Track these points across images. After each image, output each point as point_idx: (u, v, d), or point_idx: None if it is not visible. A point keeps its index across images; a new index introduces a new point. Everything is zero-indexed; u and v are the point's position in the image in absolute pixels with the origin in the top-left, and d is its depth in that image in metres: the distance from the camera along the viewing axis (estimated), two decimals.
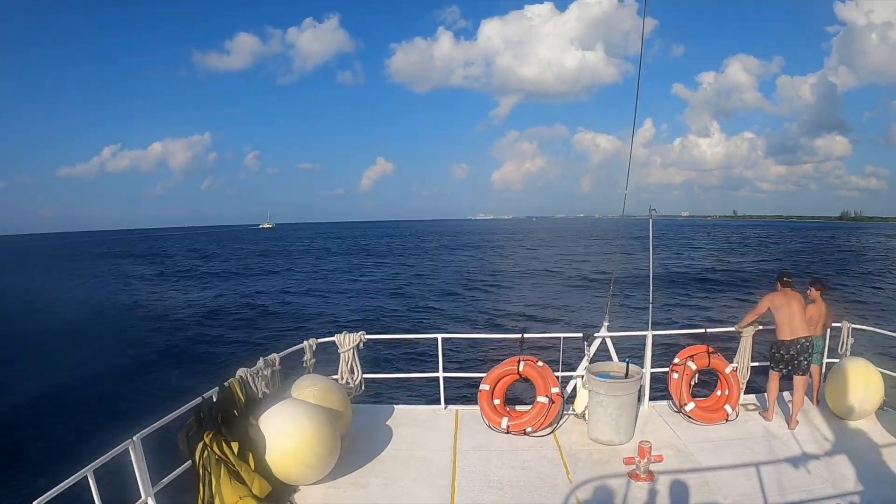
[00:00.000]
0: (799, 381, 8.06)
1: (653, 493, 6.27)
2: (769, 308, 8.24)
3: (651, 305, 9.02)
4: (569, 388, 8.53)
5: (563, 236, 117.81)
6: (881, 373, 8.25)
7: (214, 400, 5.93)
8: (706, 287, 34.11)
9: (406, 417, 8.18)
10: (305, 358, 7.84)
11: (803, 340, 8.00)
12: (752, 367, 8.70)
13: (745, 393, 8.80)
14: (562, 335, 8.65)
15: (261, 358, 6.87)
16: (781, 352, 8.09)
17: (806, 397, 8.58)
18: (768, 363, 8.34)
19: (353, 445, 7.04)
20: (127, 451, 4.79)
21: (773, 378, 8.28)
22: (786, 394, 8.66)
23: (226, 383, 6.19)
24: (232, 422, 5.83)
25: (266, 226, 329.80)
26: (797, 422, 8.01)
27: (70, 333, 22.59)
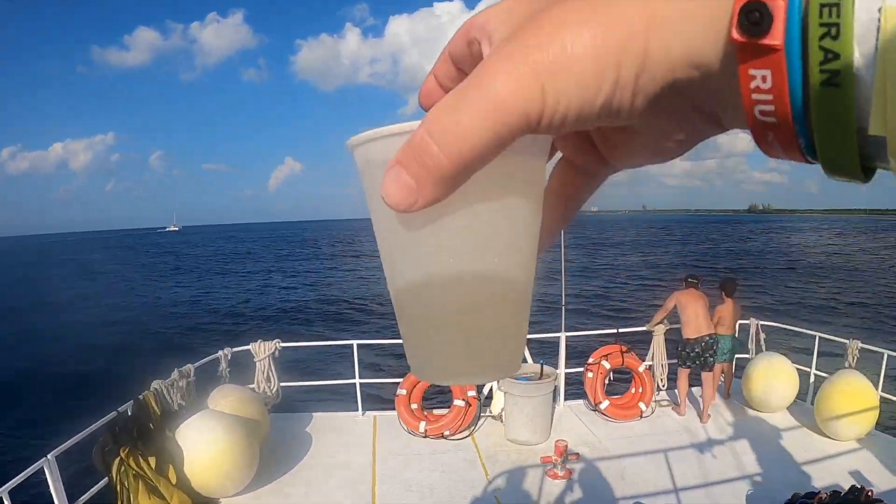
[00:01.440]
0: (707, 376, 8.50)
1: (571, 490, 6.54)
2: (675, 306, 8.64)
3: (564, 307, 9.27)
4: (485, 391, 8.70)
5: None
6: (795, 367, 8.73)
7: (129, 414, 5.87)
8: (619, 285, 34.95)
9: (324, 424, 8.22)
10: (221, 368, 7.73)
11: (707, 338, 8.44)
12: (664, 364, 9.09)
13: (659, 390, 9.18)
14: None
15: (175, 369, 6.79)
16: (687, 349, 8.52)
17: (718, 393, 9.04)
18: (677, 361, 8.73)
19: (273, 455, 7.05)
20: (42, 469, 4.72)
21: (682, 375, 8.69)
22: (697, 389, 9.06)
23: (140, 396, 6.14)
24: (148, 435, 5.80)
25: (172, 228, 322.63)
26: (709, 416, 8.47)
27: None
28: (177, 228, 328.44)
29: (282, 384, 8.19)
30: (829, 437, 7.78)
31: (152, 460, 5.54)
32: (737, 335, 9.28)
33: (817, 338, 8.84)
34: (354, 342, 8.53)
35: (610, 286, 34.88)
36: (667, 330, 9.10)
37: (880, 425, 7.93)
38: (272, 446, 7.25)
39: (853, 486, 4.86)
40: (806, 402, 8.74)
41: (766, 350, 9.31)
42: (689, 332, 8.51)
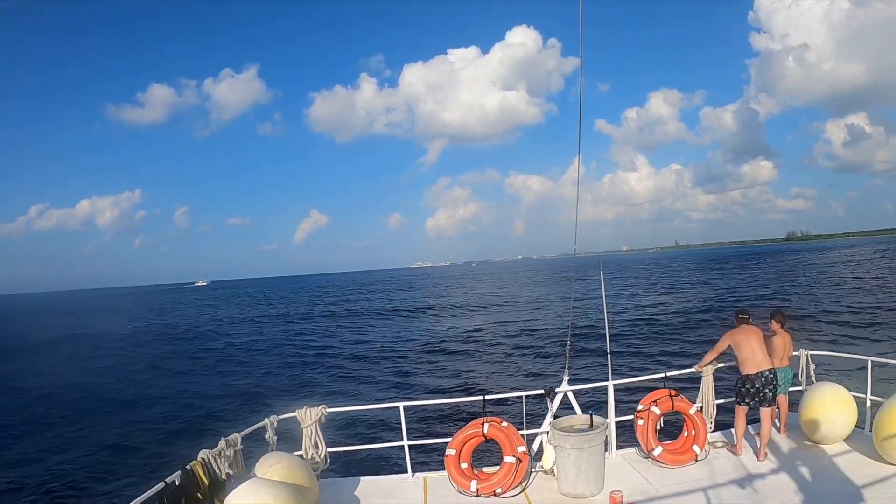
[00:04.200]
0: (766, 412, 8.42)
1: None
2: (730, 345, 8.60)
3: (609, 355, 9.25)
4: (535, 446, 8.69)
5: (508, 281, 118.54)
6: (851, 395, 8.59)
7: (177, 484, 5.96)
8: (660, 328, 34.54)
9: (374, 489, 8.21)
10: (268, 435, 7.84)
11: (767, 373, 8.40)
12: (716, 404, 8.99)
13: (712, 431, 9.06)
14: (523, 393, 8.87)
15: (222, 438, 6.91)
16: (747, 386, 8.45)
17: (773, 429, 8.90)
18: (735, 399, 8.65)
19: None
20: None
21: (740, 413, 8.62)
22: (750, 427, 8.96)
23: (188, 466, 6.24)
24: None
25: (201, 283, 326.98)
26: (766, 453, 8.35)
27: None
28: (205, 283, 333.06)
29: (330, 449, 8.24)
30: (891, 464, 7.60)
31: None
32: (790, 367, 9.22)
33: (869, 362, 8.71)
34: (401, 404, 8.55)
35: (653, 329, 34.49)
36: (715, 369, 9.03)
37: None
38: None
39: None
40: (864, 429, 8.56)
41: (818, 380, 9.18)
42: (749, 368, 8.46)
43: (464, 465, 8.06)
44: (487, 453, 8.81)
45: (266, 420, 7.92)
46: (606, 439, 8.38)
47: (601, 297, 9.55)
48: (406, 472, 8.59)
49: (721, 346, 8.79)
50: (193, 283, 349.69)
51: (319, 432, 8.19)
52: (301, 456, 7.92)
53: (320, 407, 8.23)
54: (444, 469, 8.16)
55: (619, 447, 8.99)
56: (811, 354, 9.56)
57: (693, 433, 8.71)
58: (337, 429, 8.82)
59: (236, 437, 7.12)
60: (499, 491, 7.74)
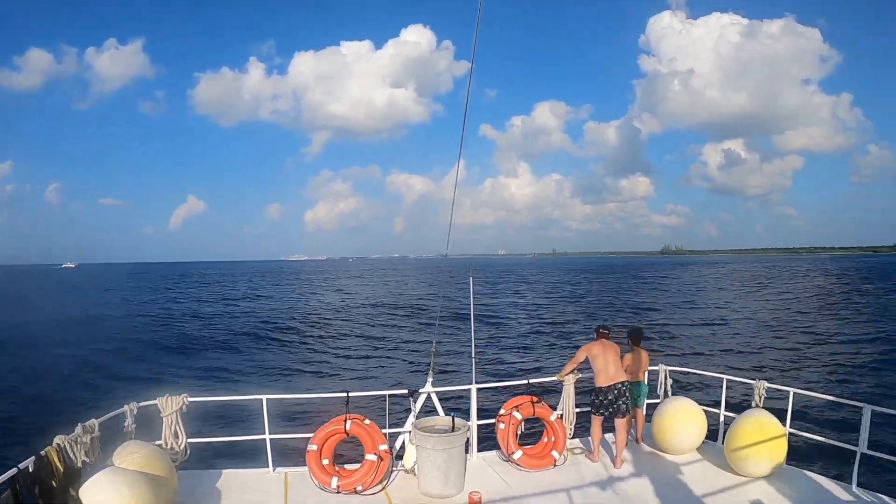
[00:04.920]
0: (620, 423, 8.87)
1: None
2: (587, 357, 8.98)
3: (474, 360, 9.48)
4: (397, 445, 8.80)
5: (383, 279, 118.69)
6: (701, 409, 9.14)
7: (31, 470, 5.75)
8: (528, 336, 35.34)
9: (234, 482, 8.13)
10: (127, 423, 7.58)
11: (620, 385, 8.85)
12: (576, 412, 9.35)
13: (572, 438, 9.43)
14: (387, 392, 9.03)
15: (79, 424, 6.67)
16: (601, 397, 8.85)
17: (631, 438, 9.36)
18: (590, 409, 9.00)
19: None
20: None
21: (596, 422, 9.03)
22: (609, 436, 9.37)
23: (42, 452, 6.01)
24: (51, 494, 5.69)
25: (69, 265, 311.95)
26: (622, 461, 8.78)
27: None
28: (73, 265, 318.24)
29: (190, 440, 8.07)
30: (741, 475, 8.16)
31: None
32: (646, 381, 9.69)
33: (724, 380, 9.26)
34: (264, 397, 8.47)
35: (519, 336, 35.27)
36: (577, 379, 9.38)
37: (790, 461, 8.35)
38: None
39: None
40: (717, 442, 9.11)
41: (675, 394, 9.71)
42: (602, 381, 8.87)
43: (325, 462, 8.08)
44: (349, 451, 8.82)
45: (126, 406, 7.65)
46: (468, 441, 8.58)
47: (470, 304, 9.73)
48: (267, 466, 8.52)
49: (579, 357, 9.19)
50: (61, 265, 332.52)
51: (180, 422, 8.00)
52: (160, 445, 7.73)
53: (182, 396, 8.04)
54: (305, 465, 8.15)
55: (480, 450, 9.24)
56: (668, 370, 10.08)
57: (553, 439, 9.05)
58: (198, 419, 8.62)
59: (94, 422, 6.88)
60: (359, 488, 7.82)
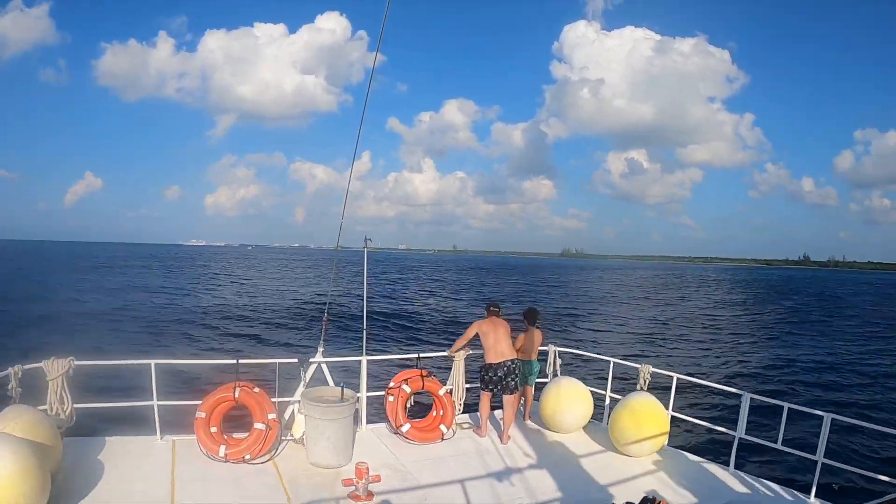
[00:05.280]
0: (508, 399, 9.18)
1: None
2: (477, 333, 9.21)
3: (365, 331, 9.65)
4: (286, 414, 8.91)
5: (281, 266, 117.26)
6: (588, 390, 9.52)
7: None
8: (421, 315, 35.84)
9: (121, 449, 8.05)
10: (10, 386, 7.37)
11: (509, 363, 9.13)
12: (466, 388, 9.60)
13: (461, 413, 9.70)
14: (277, 361, 9.04)
15: None
16: (490, 374, 9.13)
17: (519, 415, 9.67)
18: (479, 385, 9.25)
19: (66, 483, 6.84)
20: None
21: (485, 398, 9.32)
22: (498, 412, 9.67)
23: None
24: None
25: None
26: (509, 437, 9.15)
27: None
28: None
29: (76, 406, 7.89)
30: (624, 455, 8.65)
31: None
32: (538, 360, 9.99)
33: (612, 363, 9.67)
34: (152, 362, 8.42)
35: (412, 313, 35.63)
36: (467, 355, 9.62)
37: (671, 442, 8.81)
38: (65, 473, 7.02)
39: (645, 497, 5.39)
40: (602, 422, 9.52)
41: (563, 374, 10.06)
42: (492, 358, 9.13)
43: (213, 430, 8.11)
44: (238, 419, 8.85)
45: (10, 369, 7.43)
46: (357, 413, 8.76)
47: (363, 277, 9.85)
48: (154, 433, 8.50)
49: (469, 333, 9.44)
50: None
51: (66, 386, 7.81)
52: (45, 411, 7.55)
53: (68, 359, 7.87)
54: (193, 433, 8.15)
55: (369, 422, 9.44)
56: (559, 351, 10.43)
57: (441, 413, 9.33)
58: (85, 384, 8.46)
59: None
60: (247, 457, 7.89)
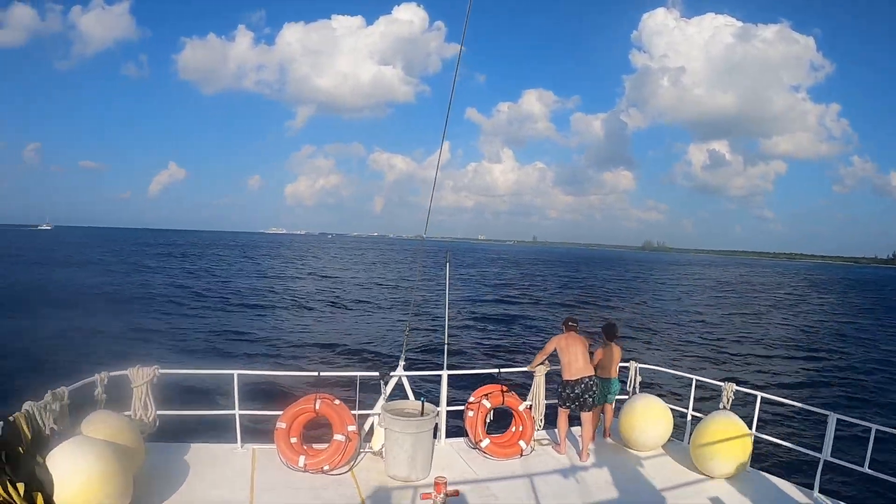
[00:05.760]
0: (586, 416, 8.94)
1: None
2: (556, 349, 9.02)
3: (446, 346, 9.52)
4: (366, 426, 8.84)
5: (362, 257, 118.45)
6: (668, 407, 9.24)
7: None
8: (501, 324, 35.47)
9: (202, 456, 8.12)
10: (96, 392, 7.53)
11: (587, 379, 8.89)
12: (545, 404, 9.42)
13: (539, 429, 9.50)
14: (358, 374, 9.00)
15: (49, 391, 6.62)
16: (567, 391, 8.92)
17: (598, 432, 9.44)
18: (557, 402, 9.07)
19: (147, 486, 6.91)
20: None
21: (562, 415, 9.08)
22: (576, 429, 9.43)
23: (10, 417, 5.97)
24: (17, 460, 5.65)
25: (45, 227, 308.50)
26: (588, 454, 8.86)
27: None
28: (49, 227, 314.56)
29: (159, 412, 8.06)
30: (705, 475, 8.29)
31: (21, 487, 5.39)
32: (618, 378, 9.75)
33: (694, 380, 9.36)
34: (235, 372, 8.49)
35: (493, 324, 35.35)
36: (547, 371, 9.44)
37: (754, 464, 8.47)
38: (147, 477, 7.12)
39: None
40: (683, 441, 9.22)
41: (644, 391, 9.79)
42: (570, 374, 8.92)
43: (293, 440, 8.11)
44: (318, 430, 8.84)
45: (96, 376, 7.60)
46: (436, 427, 8.64)
47: (445, 290, 9.75)
48: (235, 441, 8.55)
49: (548, 349, 9.25)
50: (36, 226, 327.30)
51: (150, 393, 7.99)
52: (129, 416, 7.71)
53: (153, 367, 8.04)
54: (273, 442, 8.17)
55: (448, 435, 9.30)
56: (639, 367, 10.16)
57: (520, 429, 9.14)
58: (169, 391, 8.57)
59: (64, 390, 6.83)
60: (326, 468, 7.85)
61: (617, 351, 9.85)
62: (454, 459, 8.71)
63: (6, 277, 49.48)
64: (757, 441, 8.67)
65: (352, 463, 8.21)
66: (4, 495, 5.26)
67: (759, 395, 8.69)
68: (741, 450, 8.29)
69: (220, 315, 34.45)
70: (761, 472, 8.71)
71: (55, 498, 5.64)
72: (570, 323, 9.34)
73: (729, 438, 8.27)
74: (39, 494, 5.52)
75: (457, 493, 7.06)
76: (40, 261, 70.74)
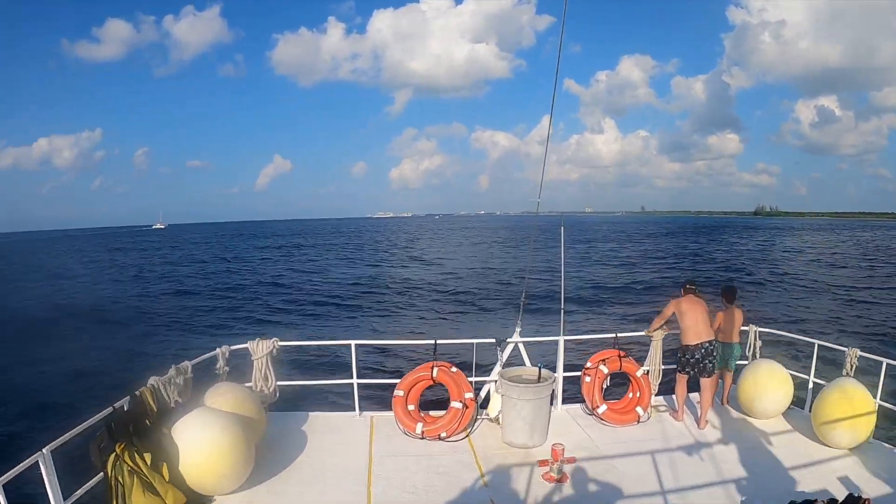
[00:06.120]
0: (706, 383, 8.57)
1: (566, 494, 6.57)
2: (675, 313, 8.71)
3: (563, 311, 9.33)
4: (482, 393, 8.82)
5: (471, 235, 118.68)
6: (789, 374, 8.81)
7: (126, 409, 5.95)
8: (617, 290, 34.92)
9: (321, 424, 8.30)
10: (218, 365, 7.82)
11: (707, 344, 8.52)
12: (662, 369, 9.16)
13: (657, 395, 9.26)
14: (475, 341, 8.93)
15: (172, 366, 6.86)
16: (687, 356, 8.59)
17: (717, 398, 9.11)
18: (675, 367, 8.79)
19: (269, 453, 7.13)
20: (37, 464, 4.74)
21: (681, 381, 8.76)
22: (695, 395, 9.13)
23: (137, 392, 6.21)
24: (144, 432, 5.87)
25: (159, 226, 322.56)
26: (706, 422, 8.53)
27: None
28: (163, 226, 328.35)
29: (279, 383, 8.26)
30: (826, 445, 7.83)
31: (148, 457, 5.60)
32: (738, 342, 9.37)
33: (816, 345, 8.87)
34: (353, 342, 8.60)
35: (609, 290, 34.84)
36: (665, 336, 9.16)
37: (877, 434, 7.96)
38: (268, 445, 7.34)
39: (850, 495, 4.88)
40: (804, 409, 8.79)
41: (764, 357, 9.37)
42: (689, 339, 8.58)
43: (410, 407, 8.18)
44: (435, 398, 8.87)
45: (218, 350, 7.87)
46: (553, 393, 8.50)
47: (560, 256, 9.56)
48: (354, 410, 8.67)
49: (667, 312, 8.91)
50: (151, 225, 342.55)
51: (270, 365, 8.18)
52: (250, 388, 7.93)
53: (273, 340, 8.22)
54: (391, 410, 8.26)
55: (564, 402, 9.16)
56: (760, 331, 9.73)
57: (638, 395, 8.90)
58: (288, 363, 8.79)
59: (187, 364, 7.06)
60: (443, 435, 7.88)
61: (738, 314, 9.44)
62: (571, 426, 8.57)
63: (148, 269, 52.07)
64: (881, 411, 8.16)
65: (469, 430, 8.19)
66: (132, 464, 5.46)
67: (885, 361, 8.16)
68: (864, 420, 7.77)
69: (334, 287, 35.19)
70: (885, 443, 8.21)
71: (181, 466, 5.84)
72: (689, 286, 8.99)
73: (852, 408, 7.80)
74: (165, 463, 5.71)
75: (573, 459, 6.99)
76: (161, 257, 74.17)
